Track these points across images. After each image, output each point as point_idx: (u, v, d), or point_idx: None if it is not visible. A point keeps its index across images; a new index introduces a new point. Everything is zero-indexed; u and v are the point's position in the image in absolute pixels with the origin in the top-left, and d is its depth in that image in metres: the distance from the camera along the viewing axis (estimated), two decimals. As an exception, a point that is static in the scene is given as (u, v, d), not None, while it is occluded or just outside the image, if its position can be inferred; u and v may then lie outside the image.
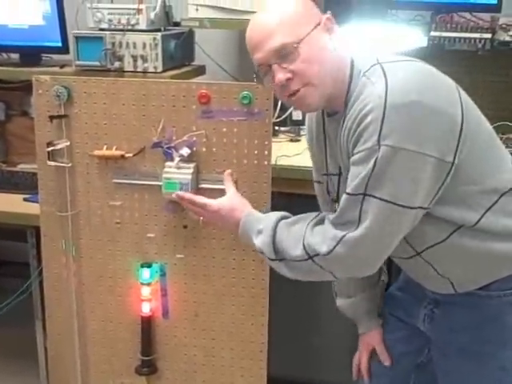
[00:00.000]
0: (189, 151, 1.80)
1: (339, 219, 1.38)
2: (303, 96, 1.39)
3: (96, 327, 2.01)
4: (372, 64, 1.37)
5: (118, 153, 1.85)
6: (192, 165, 1.80)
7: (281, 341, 2.16)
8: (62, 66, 2.48)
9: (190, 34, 2.56)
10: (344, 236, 1.35)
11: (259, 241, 1.52)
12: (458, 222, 1.38)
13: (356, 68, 1.39)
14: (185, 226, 1.88)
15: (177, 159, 1.80)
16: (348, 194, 1.35)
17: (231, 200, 1.66)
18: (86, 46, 2.34)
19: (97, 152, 1.87)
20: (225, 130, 1.81)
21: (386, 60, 1.37)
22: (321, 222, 1.45)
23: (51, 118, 1.87)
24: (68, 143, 1.88)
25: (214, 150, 1.81)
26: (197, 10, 2.44)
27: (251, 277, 1.90)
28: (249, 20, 1.44)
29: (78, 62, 2.35)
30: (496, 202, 1.38)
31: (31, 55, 2.60)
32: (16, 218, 2.16)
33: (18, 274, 2.40)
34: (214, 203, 1.64)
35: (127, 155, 1.85)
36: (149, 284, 1.92)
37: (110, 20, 2.37)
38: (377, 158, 1.27)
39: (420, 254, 1.45)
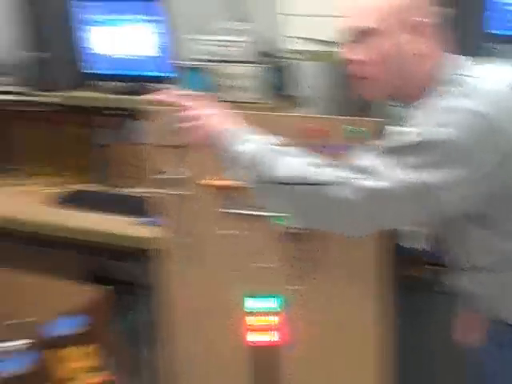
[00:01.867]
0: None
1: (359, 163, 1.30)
2: (362, 86, 1.41)
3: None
4: (456, 73, 1.35)
5: (231, 183, 1.92)
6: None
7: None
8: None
9: (290, 66, 2.63)
10: (370, 185, 1.27)
11: (251, 147, 1.35)
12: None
13: (439, 73, 1.37)
14: (299, 257, 1.90)
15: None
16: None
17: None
18: (191, 77, 2.44)
19: (209, 181, 1.95)
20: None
21: (470, 74, 1.35)
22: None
23: (165, 147, 1.95)
24: (183, 172, 1.97)
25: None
26: (297, 42, 2.52)
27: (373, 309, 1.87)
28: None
29: (185, 93, 2.44)
30: None
31: (137, 84, 2.69)
32: (131, 241, 2.26)
33: (128, 293, 2.47)
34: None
35: (239, 185, 1.92)
36: (261, 314, 1.94)
37: (213, 51, 2.47)
38: (437, 140, 1.24)
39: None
